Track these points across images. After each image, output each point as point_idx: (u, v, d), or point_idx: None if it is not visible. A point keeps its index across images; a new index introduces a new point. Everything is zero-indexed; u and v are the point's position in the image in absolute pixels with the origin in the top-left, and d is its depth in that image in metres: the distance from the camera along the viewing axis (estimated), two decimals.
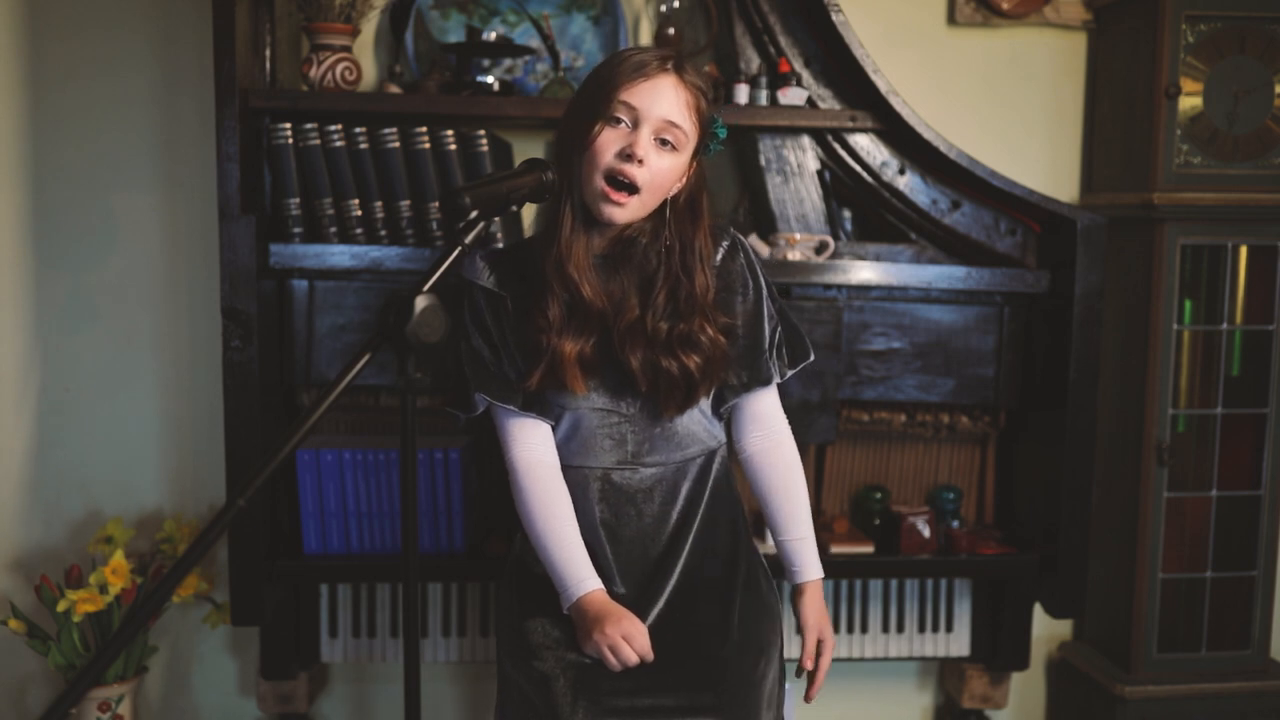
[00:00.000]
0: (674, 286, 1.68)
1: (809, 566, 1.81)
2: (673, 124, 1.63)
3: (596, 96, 1.64)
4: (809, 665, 1.80)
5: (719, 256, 1.74)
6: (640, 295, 1.69)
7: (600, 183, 1.62)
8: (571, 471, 1.75)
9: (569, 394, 1.69)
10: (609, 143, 1.62)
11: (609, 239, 1.71)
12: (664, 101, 1.62)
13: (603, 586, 1.69)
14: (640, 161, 1.61)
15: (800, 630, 1.82)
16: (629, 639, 1.63)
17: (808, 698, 1.81)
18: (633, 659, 1.62)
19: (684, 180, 1.70)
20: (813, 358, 1.84)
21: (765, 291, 1.78)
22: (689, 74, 1.66)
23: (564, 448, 1.75)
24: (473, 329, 1.75)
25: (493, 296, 1.73)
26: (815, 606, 1.81)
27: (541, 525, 1.70)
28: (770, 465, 1.81)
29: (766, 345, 1.77)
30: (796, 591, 1.82)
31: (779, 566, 1.84)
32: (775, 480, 1.81)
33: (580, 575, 1.68)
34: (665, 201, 1.69)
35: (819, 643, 1.80)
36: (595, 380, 1.70)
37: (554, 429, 1.75)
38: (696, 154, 1.70)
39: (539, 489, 1.72)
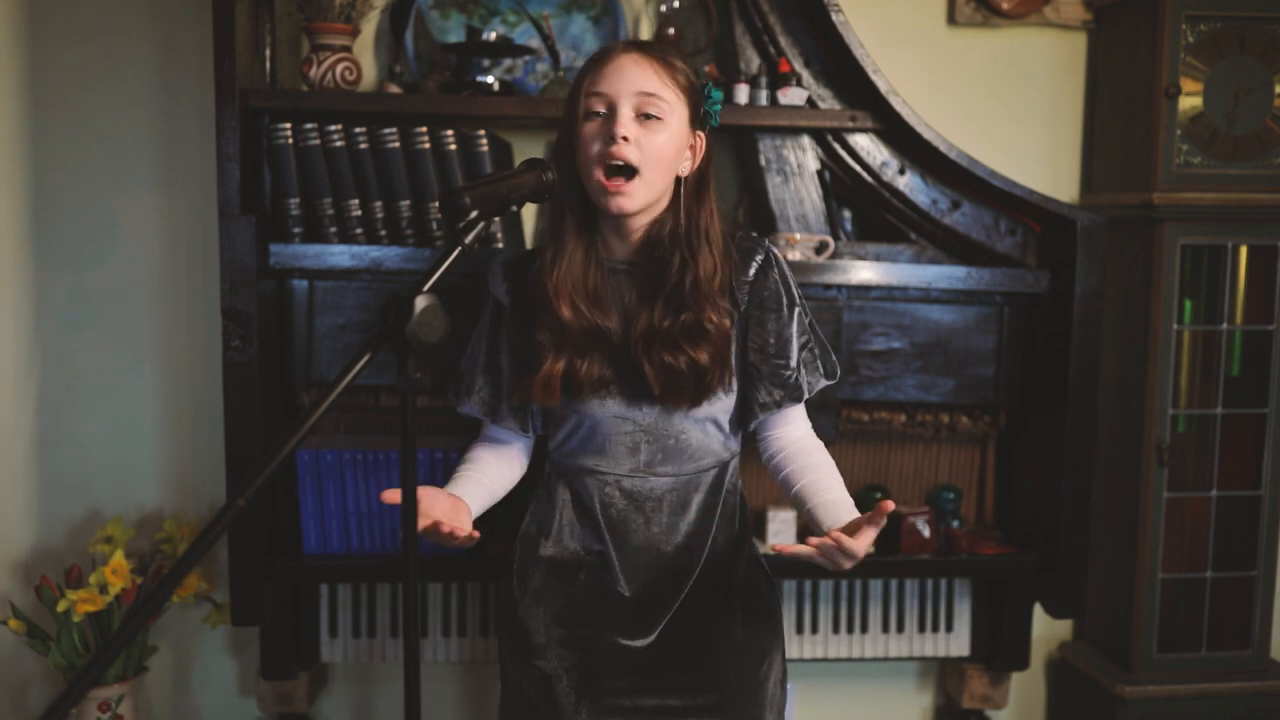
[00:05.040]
0: (682, 273, 1.65)
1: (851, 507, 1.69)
2: (648, 94, 1.61)
3: (572, 98, 1.66)
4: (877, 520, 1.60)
5: (752, 271, 1.72)
6: (651, 296, 1.67)
7: (598, 175, 1.62)
8: (585, 474, 1.76)
9: (588, 400, 1.69)
10: (592, 135, 1.63)
11: (634, 244, 1.70)
12: (631, 77, 1.62)
13: (451, 493, 1.67)
14: (625, 139, 1.60)
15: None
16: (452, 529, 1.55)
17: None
18: (461, 535, 1.55)
19: (693, 158, 1.69)
20: (838, 376, 1.81)
21: (799, 307, 1.76)
22: (655, 49, 1.66)
23: (580, 450, 1.76)
24: (481, 334, 1.79)
25: (499, 306, 1.76)
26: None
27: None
28: (807, 451, 1.76)
29: (795, 362, 1.74)
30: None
31: (779, 567, 1.83)
32: (817, 458, 1.74)
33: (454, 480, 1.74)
34: (679, 183, 1.68)
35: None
36: (611, 388, 1.69)
37: (571, 431, 1.76)
38: (697, 125, 1.69)
39: (471, 463, 1.78)
